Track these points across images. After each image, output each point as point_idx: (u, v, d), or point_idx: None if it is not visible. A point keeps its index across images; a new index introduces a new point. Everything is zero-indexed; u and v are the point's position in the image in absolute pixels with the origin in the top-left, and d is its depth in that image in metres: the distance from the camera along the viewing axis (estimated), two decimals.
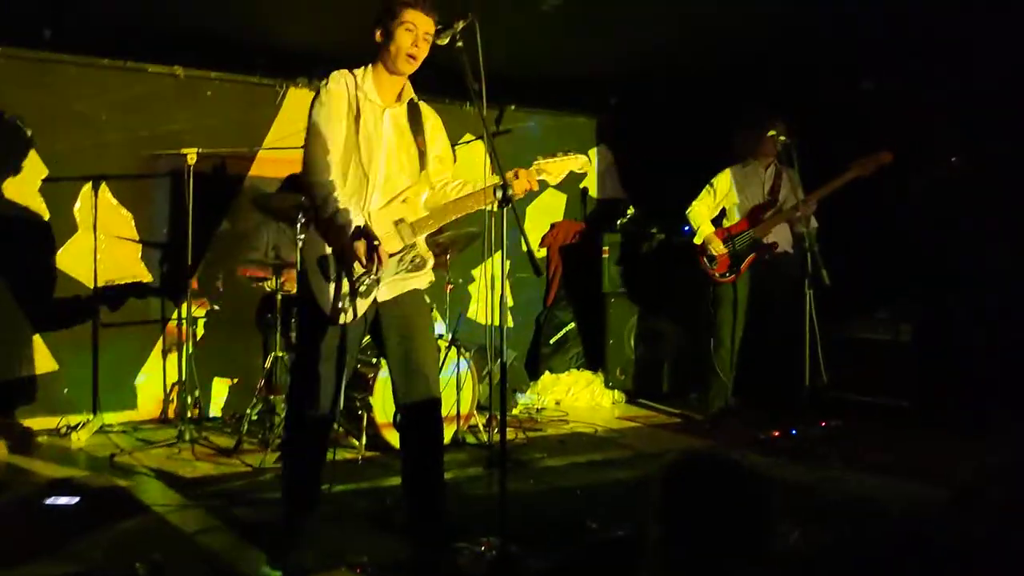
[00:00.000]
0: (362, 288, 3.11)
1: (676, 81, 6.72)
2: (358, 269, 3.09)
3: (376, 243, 3.04)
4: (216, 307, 6.14)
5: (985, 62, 5.35)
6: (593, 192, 7.93)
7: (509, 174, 3.04)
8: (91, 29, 5.43)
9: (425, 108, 3.43)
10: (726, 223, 5.92)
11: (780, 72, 6.13)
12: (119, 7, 5.11)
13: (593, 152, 7.90)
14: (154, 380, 5.99)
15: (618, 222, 7.40)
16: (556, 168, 3.33)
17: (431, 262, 3.34)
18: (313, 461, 3.35)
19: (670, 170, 6.92)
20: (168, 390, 5.96)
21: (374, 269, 3.07)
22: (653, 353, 7.13)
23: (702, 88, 6.65)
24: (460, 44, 3.04)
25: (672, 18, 5.34)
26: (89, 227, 5.72)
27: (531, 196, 7.34)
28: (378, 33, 3.21)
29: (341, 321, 3.12)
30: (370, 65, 3.29)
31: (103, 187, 5.74)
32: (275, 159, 6.21)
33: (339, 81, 3.21)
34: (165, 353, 6.01)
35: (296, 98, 6.44)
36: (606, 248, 7.13)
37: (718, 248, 5.77)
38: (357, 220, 3.08)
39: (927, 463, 4.59)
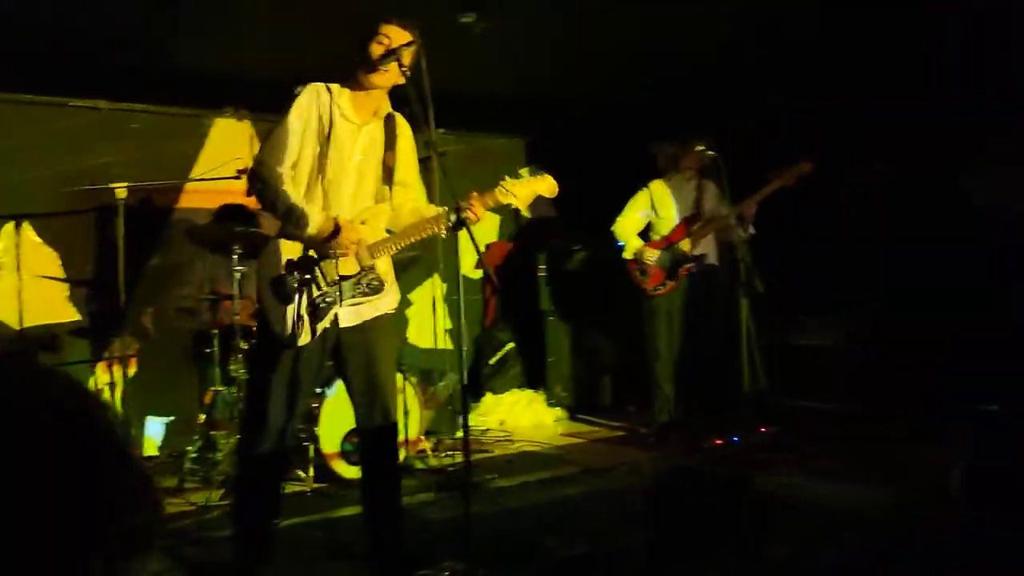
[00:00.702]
0: (322, 304, 3.08)
1: (602, 98, 6.81)
2: (326, 278, 3.07)
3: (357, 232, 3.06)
4: (149, 343, 5.99)
5: (910, 69, 5.54)
6: (525, 212, 7.98)
7: (464, 203, 3.04)
8: (9, 64, 5.28)
9: (401, 122, 3.37)
10: (653, 236, 5.94)
11: (704, 87, 6.25)
12: (38, 41, 4.99)
13: (525, 172, 7.94)
14: None
15: (550, 240, 7.46)
16: (523, 191, 3.32)
17: (389, 284, 3.29)
18: (267, 494, 3.29)
19: (599, 186, 7.01)
20: None
21: (348, 256, 3.07)
22: (592, 368, 7.19)
23: (628, 104, 6.75)
24: (405, 70, 3.05)
25: (595, 37, 5.44)
26: (12, 267, 5.51)
27: None
28: (361, 52, 3.16)
29: (298, 343, 3.06)
30: (346, 82, 3.23)
31: (25, 225, 5.56)
32: (204, 190, 6.11)
33: (311, 94, 3.16)
34: (97, 394, 5.82)
35: (223, 128, 6.36)
36: (542, 267, 7.19)
37: (652, 255, 5.78)
38: (320, 212, 3.08)
39: (868, 466, 4.72)
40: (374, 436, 3.30)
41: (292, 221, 3.07)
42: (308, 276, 3.07)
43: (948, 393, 4.98)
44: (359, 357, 3.25)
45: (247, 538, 3.24)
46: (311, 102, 3.15)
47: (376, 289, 3.21)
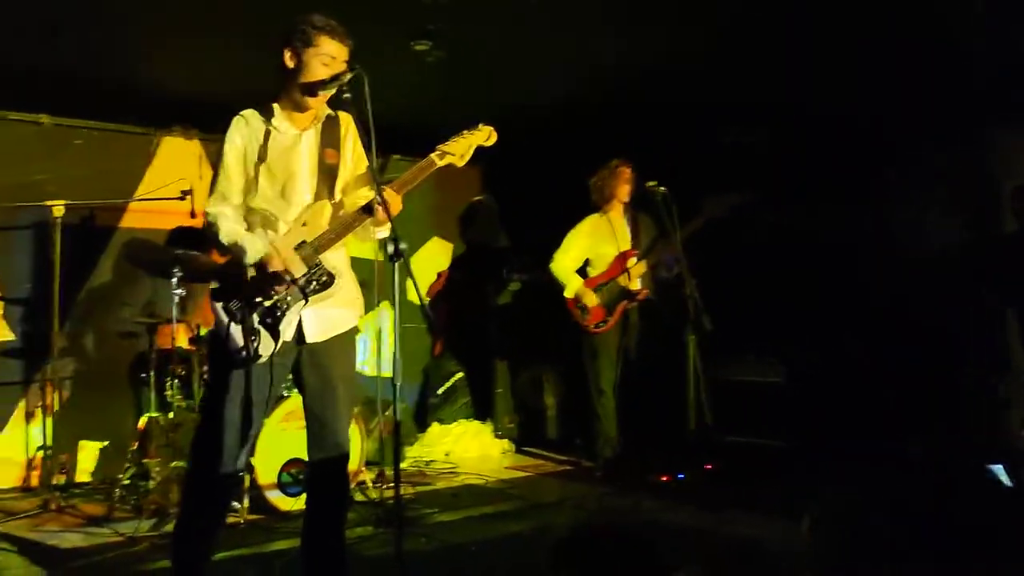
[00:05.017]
0: (284, 306, 2.95)
1: (557, 127, 6.77)
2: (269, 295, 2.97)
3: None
4: (84, 366, 5.82)
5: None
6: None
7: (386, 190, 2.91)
8: None
9: (344, 118, 3.20)
10: (591, 272, 5.85)
11: (653, 120, 6.21)
12: None
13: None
14: (15, 446, 5.61)
15: (503, 271, 7.40)
16: (459, 147, 3.16)
17: (347, 280, 3.14)
18: (211, 526, 3.14)
19: (554, 214, 6.96)
20: (31, 456, 5.58)
21: (284, 283, 2.95)
22: (538, 400, 7.13)
23: (583, 132, 6.72)
24: (347, 96, 2.96)
25: (549, 65, 5.43)
26: None
27: (418, 244, 7.32)
28: (287, 56, 3.00)
29: (253, 362, 2.93)
30: (278, 97, 3.10)
31: None
32: (148, 210, 5.97)
33: (238, 124, 3.06)
34: (28, 416, 5.64)
35: (170, 147, 6.25)
36: (491, 296, 7.14)
37: (592, 299, 5.70)
38: (261, 240, 2.99)
39: (803, 500, 4.70)
40: (322, 466, 3.15)
41: (236, 255, 2.99)
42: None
43: (884, 430, 5.02)
44: (317, 380, 3.13)
45: (184, 571, 3.09)
46: (239, 131, 3.06)
47: (327, 284, 3.03)
